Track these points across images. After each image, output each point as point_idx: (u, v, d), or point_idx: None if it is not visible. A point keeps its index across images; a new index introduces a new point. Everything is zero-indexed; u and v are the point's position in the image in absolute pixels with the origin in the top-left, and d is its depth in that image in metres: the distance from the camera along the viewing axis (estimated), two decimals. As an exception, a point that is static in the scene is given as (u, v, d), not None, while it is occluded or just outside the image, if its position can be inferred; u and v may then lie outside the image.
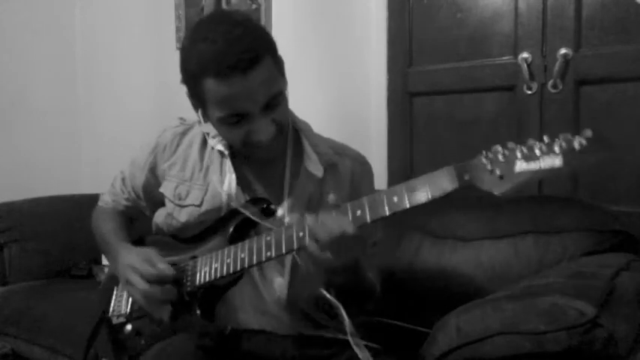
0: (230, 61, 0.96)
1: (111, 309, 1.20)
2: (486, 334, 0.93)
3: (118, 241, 1.21)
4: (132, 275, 1.07)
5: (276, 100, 1.03)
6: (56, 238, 2.22)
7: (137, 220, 1.34)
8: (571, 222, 1.37)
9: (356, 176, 1.19)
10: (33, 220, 2.23)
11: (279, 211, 1.10)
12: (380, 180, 1.67)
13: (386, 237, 1.24)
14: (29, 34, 2.67)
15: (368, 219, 0.89)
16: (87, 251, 2.07)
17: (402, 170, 1.98)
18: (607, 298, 0.96)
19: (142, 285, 1.05)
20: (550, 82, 1.65)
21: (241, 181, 1.14)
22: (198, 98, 1.05)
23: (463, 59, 1.83)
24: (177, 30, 2.50)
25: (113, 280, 1.23)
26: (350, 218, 0.90)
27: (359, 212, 0.90)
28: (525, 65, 1.68)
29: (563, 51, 1.62)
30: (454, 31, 1.84)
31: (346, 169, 1.18)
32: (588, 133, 0.75)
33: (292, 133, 1.18)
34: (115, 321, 1.16)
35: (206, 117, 1.08)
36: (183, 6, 2.48)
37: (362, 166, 1.22)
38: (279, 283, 1.12)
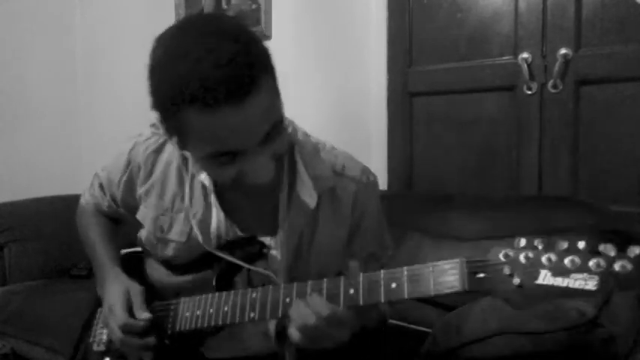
0: (219, 88, 0.75)
1: (92, 334, 1.15)
2: (486, 334, 0.93)
3: (106, 258, 1.12)
4: (111, 320, 1.00)
5: (276, 129, 0.82)
6: (56, 238, 2.22)
7: (122, 223, 1.24)
8: (571, 221, 1.37)
9: (359, 202, 1.02)
10: (33, 220, 2.23)
11: (271, 250, 1.01)
12: (380, 180, 1.66)
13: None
14: (29, 34, 2.67)
15: (361, 301, 0.78)
16: (87, 251, 2.07)
17: (402, 170, 1.98)
18: (607, 298, 0.96)
19: (118, 334, 0.98)
20: (550, 82, 1.65)
21: (230, 214, 1.01)
22: (175, 129, 0.84)
23: (463, 59, 1.83)
24: (177, 30, 2.50)
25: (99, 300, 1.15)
26: (341, 300, 0.79)
27: (352, 292, 0.79)
28: (525, 65, 1.68)
29: (563, 51, 1.62)
30: (454, 31, 1.84)
31: (347, 194, 1.01)
32: (636, 251, 0.61)
33: (288, 152, 1.00)
34: (95, 348, 1.12)
35: (184, 149, 0.89)
36: (183, 6, 2.48)
37: (366, 188, 1.03)
38: None
